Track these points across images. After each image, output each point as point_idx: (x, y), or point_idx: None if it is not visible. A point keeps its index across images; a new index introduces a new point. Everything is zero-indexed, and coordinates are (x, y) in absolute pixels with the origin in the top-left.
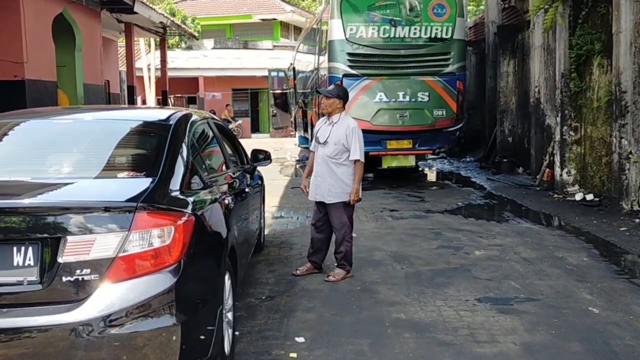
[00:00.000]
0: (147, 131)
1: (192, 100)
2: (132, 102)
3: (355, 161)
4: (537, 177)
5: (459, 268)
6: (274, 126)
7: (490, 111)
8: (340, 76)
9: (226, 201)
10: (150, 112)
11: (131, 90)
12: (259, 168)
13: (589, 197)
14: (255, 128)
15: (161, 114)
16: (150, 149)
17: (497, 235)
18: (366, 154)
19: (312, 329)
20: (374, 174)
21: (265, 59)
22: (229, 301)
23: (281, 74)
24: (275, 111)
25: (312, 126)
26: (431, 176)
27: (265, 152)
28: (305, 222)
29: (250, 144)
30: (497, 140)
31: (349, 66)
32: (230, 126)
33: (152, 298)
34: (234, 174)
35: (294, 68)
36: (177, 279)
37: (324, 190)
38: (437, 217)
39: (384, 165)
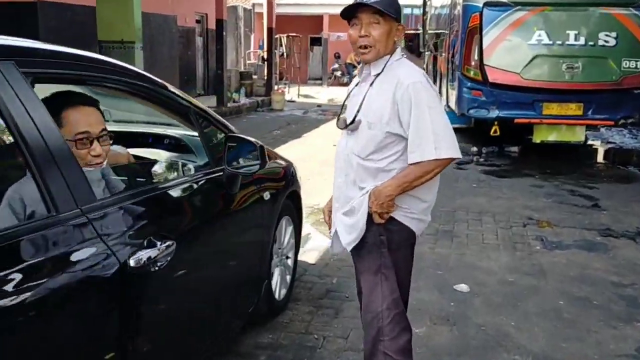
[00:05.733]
0: None
1: (315, 41)
2: (220, 40)
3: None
4: None
5: None
6: None
7: None
8: (480, 5)
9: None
10: None
11: (220, 25)
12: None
13: None
14: None
15: None
16: None
17: None
18: (511, 120)
19: None
20: (520, 148)
21: None
22: None
23: (416, 11)
24: (405, 56)
25: (441, 77)
26: (605, 156)
27: (255, 145)
28: None
29: None
30: None
31: None
32: (355, 72)
33: None
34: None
35: (425, 2)
36: None
37: (338, 225)
38: (626, 250)
39: (537, 139)
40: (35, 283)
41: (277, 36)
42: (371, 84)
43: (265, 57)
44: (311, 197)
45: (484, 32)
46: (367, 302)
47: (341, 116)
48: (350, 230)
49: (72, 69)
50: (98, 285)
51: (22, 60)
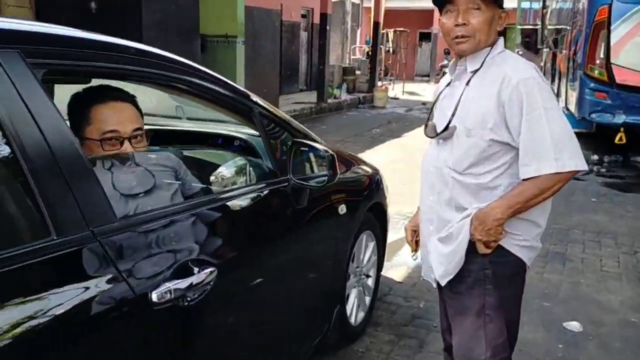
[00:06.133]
0: None
1: (424, 36)
2: (323, 35)
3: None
4: None
5: None
6: None
7: None
8: None
9: None
10: None
11: (324, 19)
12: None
13: None
14: None
15: None
16: None
17: None
18: (634, 127)
19: None
20: None
21: None
22: None
23: (535, 5)
24: (521, 53)
25: (560, 77)
26: None
27: (325, 153)
28: None
29: None
30: None
31: None
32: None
33: None
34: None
35: None
36: None
37: (432, 252)
38: None
39: None
40: (21, 324)
41: (383, 31)
42: (467, 83)
43: (370, 52)
44: (407, 203)
45: (612, 27)
46: (465, 348)
47: (429, 122)
48: (445, 261)
49: (98, 60)
50: (110, 325)
51: (30, 48)
